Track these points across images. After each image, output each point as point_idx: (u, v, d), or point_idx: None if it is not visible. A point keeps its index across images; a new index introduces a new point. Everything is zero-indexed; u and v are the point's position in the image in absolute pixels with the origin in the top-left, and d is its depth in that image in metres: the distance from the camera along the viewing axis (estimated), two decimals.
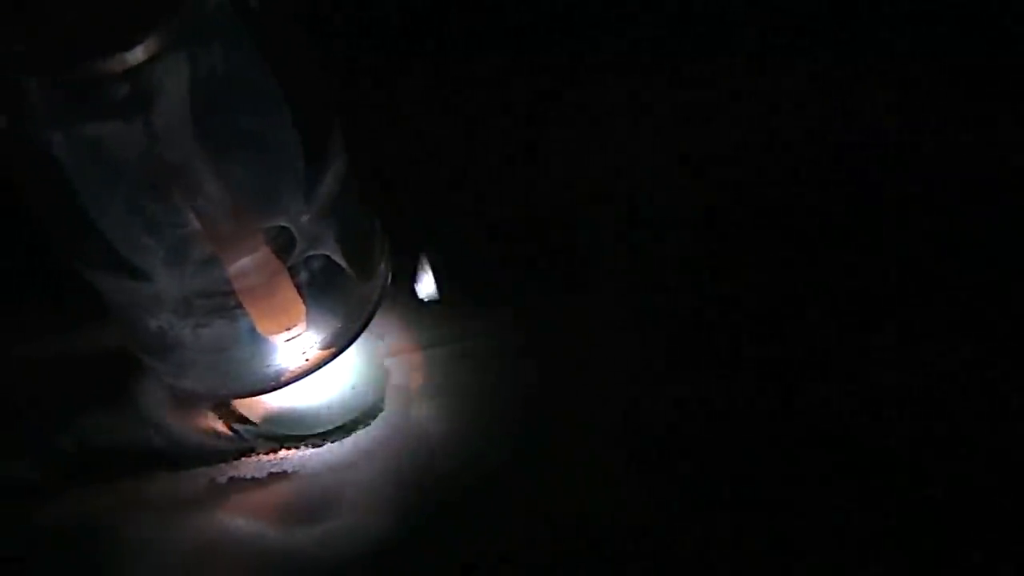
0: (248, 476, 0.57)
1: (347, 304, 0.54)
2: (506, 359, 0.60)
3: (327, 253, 0.51)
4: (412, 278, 0.63)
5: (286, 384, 0.53)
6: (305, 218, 0.49)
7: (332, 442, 0.58)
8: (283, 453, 0.58)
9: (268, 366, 0.53)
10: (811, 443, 0.54)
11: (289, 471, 0.57)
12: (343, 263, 0.52)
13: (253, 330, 0.51)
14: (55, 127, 0.43)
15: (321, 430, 0.59)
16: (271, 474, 0.57)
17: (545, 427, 0.56)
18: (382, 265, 0.56)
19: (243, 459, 0.58)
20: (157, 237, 0.47)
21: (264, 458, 0.58)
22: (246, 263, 0.48)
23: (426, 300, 0.63)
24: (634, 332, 0.59)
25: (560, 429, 0.56)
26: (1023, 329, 0.57)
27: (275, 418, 0.59)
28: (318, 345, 0.53)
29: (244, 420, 0.59)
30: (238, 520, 0.56)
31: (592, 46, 0.71)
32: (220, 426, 0.59)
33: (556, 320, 0.60)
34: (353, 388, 0.60)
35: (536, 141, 0.68)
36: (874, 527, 0.51)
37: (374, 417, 0.59)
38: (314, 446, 0.58)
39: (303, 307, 0.52)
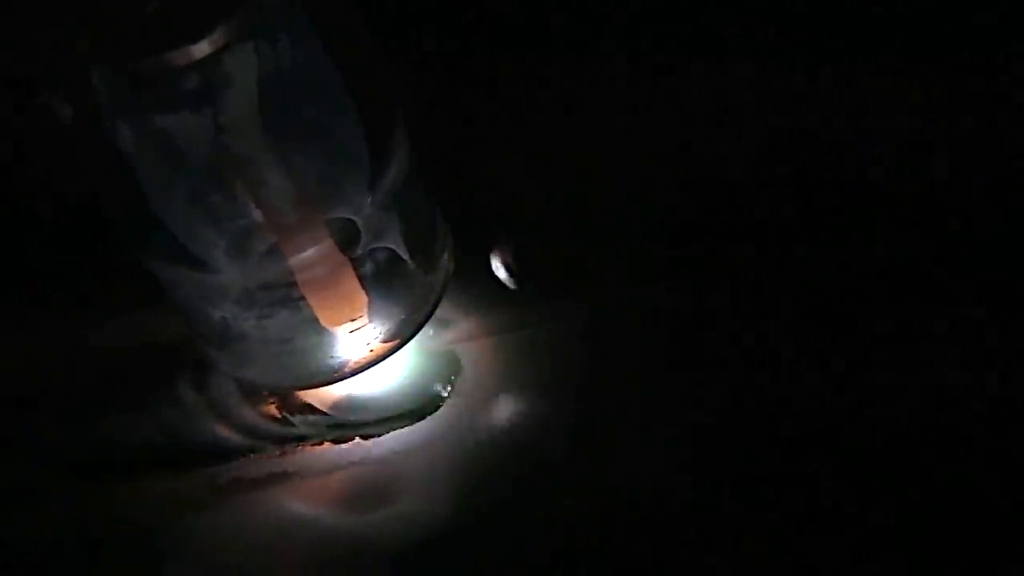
0: (309, 465, 0.58)
1: (410, 295, 0.53)
2: (571, 349, 0.59)
3: (390, 245, 0.50)
4: (478, 267, 0.62)
5: (348, 375, 0.53)
6: (369, 210, 0.49)
7: (394, 430, 0.58)
8: (345, 442, 0.58)
9: (331, 357, 0.53)
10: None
11: (350, 460, 0.57)
12: (405, 255, 0.51)
13: (316, 321, 0.51)
14: (123, 118, 0.44)
15: (384, 418, 0.58)
16: (332, 463, 0.57)
17: (608, 419, 0.56)
18: (444, 256, 0.56)
19: (304, 448, 0.58)
20: (220, 228, 0.47)
21: (325, 447, 0.58)
22: (309, 255, 0.48)
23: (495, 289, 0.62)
24: (697, 326, 0.58)
25: (623, 422, 0.55)
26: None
27: (338, 407, 0.59)
28: (381, 336, 0.53)
29: (307, 409, 0.59)
30: (298, 508, 0.57)
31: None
32: (282, 415, 0.59)
33: (621, 311, 0.60)
34: (416, 377, 0.59)
35: (604, 131, 0.68)
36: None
37: (437, 406, 0.58)
38: (377, 435, 0.58)
39: (365, 299, 0.52)
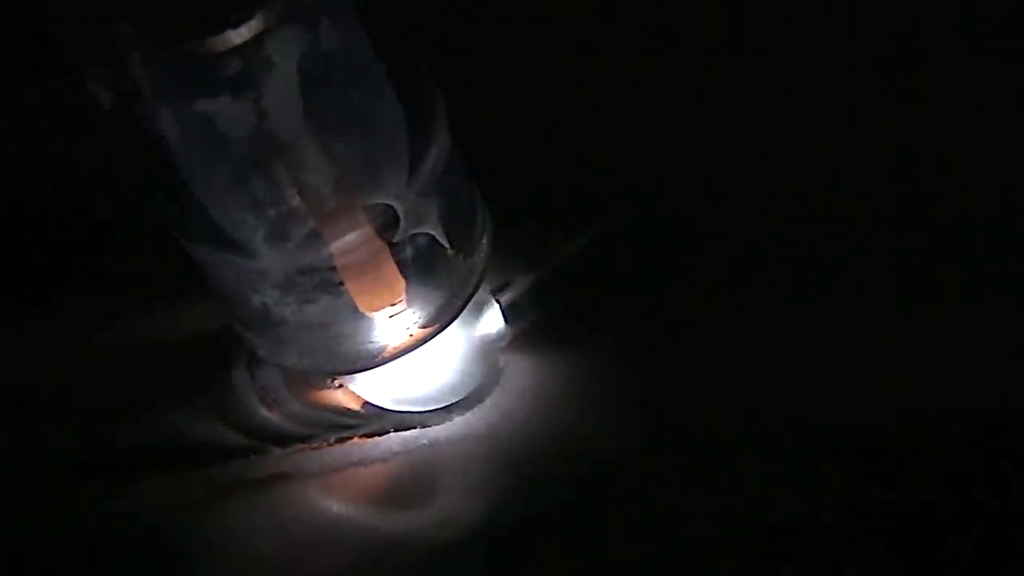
0: (352, 457, 0.58)
1: (449, 281, 0.53)
2: (618, 345, 0.59)
3: (430, 231, 0.50)
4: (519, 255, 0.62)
5: (387, 361, 0.53)
6: (409, 195, 0.49)
7: (438, 423, 0.58)
8: (390, 434, 0.58)
9: (370, 342, 0.53)
10: None
11: (386, 455, 0.58)
12: (445, 241, 0.51)
13: (356, 306, 0.51)
14: (163, 103, 0.44)
15: (428, 410, 0.58)
16: (374, 455, 0.58)
17: (660, 416, 0.55)
18: (484, 241, 0.56)
19: (347, 440, 0.58)
20: (259, 213, 0.47)
21: (369, 439, 0.58)
22: (348, 240, 0.48)
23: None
24: (752, 323, 0.58)
25: (675, 419, 0.55)
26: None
27: (383, 398, 0.59)
28: (420, 322, 0.53)
29: (350, 400, 0.59)
30: (334, 504, 0.57)
31: None
32: (324, 407, 0.60)
33: (675, 306, 0.59)
34: (463, 368, 0.59)
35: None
36: None
37: (483, 398, 0.58)
38: (421, 426, 0.58)
39: (403, 284, 0.51)
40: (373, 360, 0.53)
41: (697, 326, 0.58)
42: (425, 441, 0.58)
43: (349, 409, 0.60)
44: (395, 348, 0.53)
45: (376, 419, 0.59)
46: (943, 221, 0.58)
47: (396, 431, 0.58)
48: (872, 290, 0.57)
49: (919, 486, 0.50)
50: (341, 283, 0.50)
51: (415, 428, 0.58)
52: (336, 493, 0.57)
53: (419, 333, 0.53)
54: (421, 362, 0.56)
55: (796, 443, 0.53)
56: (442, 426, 0.58)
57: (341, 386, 0.61)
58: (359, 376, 0.58)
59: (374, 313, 0.51)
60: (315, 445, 0.59)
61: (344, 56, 0.45)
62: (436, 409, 0.59)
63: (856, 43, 0.65)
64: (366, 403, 0.60)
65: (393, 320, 0.52)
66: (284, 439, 0.59)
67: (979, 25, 0.64)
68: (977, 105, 0.61)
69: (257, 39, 0.41)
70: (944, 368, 0.53)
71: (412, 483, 0.57)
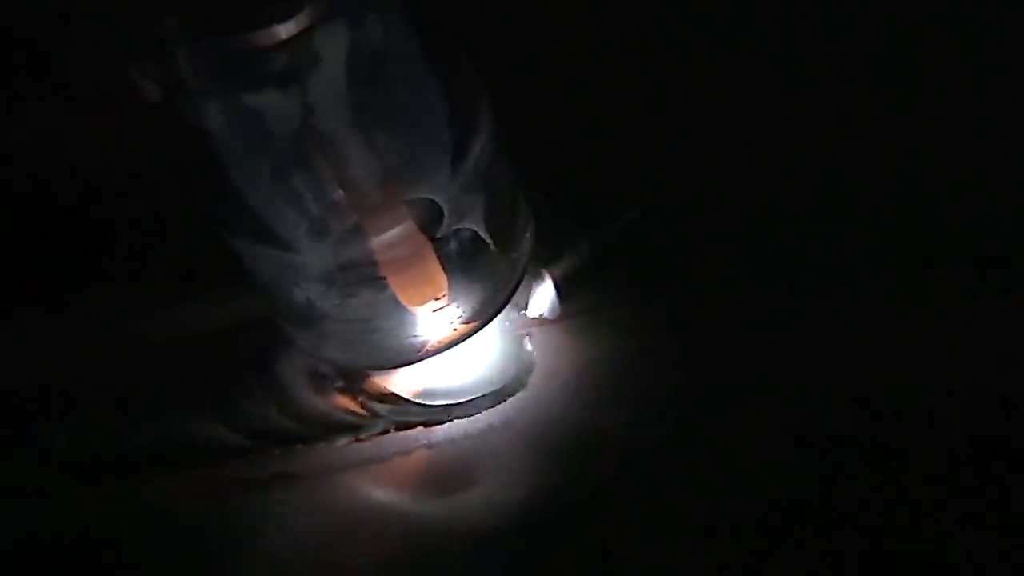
0: (386, 449, 0.58)
1: (491, 277, 0.53)
2: (654, 334, 0.58)
3: (472, 227, 0.50)
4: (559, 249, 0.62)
5: (429, 356, 0.53)
6: (452, 190, 0.49)
7: (473, 415, 0.58)
8: (422, 427, 0.58)
9: (412, 337, 0.53)
10: None
11: (427, 444, 0.58)
12: (487, 237, 0.51)
13: (398, 301, 0.51)
14: (211, 98, 0.44)
15: (462, 402, 0.58)
16: (409, 447, 0.58)
17: (694, 405, 0.55)
18: (526, 237, 0.55)
19: (382, 432, 0.58)
20: (303, 207, 0.47)
21: (403, 431, 0.58)
22: (391, 235, 0.48)
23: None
24: (789, 316, 0.57)
25: (708, 408, 0.55)
26: None
27: (416, 390, 0.59)
28: (461, 317, 0.53)
29: (384, 394, 0.59)
30: (375, 493, 0.57)
31: None
32: (359, 400, 0.60)
33: (700, 296, 0.59)
34: (496, 360, 0.59)
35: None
36: None
37: (517, 390, 0.58)
38: (455, 418, 0.58)
39: (445, 279, 0.51)
40: (415, 355, 0.53)
41: (731, 317, 0.58)
42: (461, 431, 0.58)
43: (384, 402, 0.60)
44: (437, 343, 0.53)
45: (411, 411, 0.59)
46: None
47: (430, 423, 0.58)
48: (920, 286, 0.57)
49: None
50: (384, 278, 0.50)
51: (450, 419, 0.58)
52: (376, 483, 0.57)
53: (461, 328, 0.53)
54: (456, 354, 0.56)
55: (832, 435, 0.53)
56: (478, 416, 0.58)
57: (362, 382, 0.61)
58: (395, 370, 0.59)
59: (416, 308, 0.51)
60: (352, 439, 0.59)
61: (389, 51, 0.45)
62: (470, 400, 0.59)
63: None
64: (402, 397, 0.60)
65: (436, 315, 0.52)
66: (320, 434, 0.59)
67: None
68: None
69: (304, 34, 0.41)
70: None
71: (451, 472, 0.57)
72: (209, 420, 0.61)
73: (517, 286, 0.55)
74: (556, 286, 0.60)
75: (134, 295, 0.66)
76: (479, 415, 0.58)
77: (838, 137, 0.63)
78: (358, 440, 0.58)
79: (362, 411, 0.59)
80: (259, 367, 0.62)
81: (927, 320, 0.55)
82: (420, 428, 0.58)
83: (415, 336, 0.53)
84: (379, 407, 0.59)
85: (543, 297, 0.60)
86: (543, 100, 0.66)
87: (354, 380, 0.60)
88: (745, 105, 0.66)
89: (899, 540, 0.49)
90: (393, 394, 0.59)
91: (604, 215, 0.64)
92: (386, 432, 0.59)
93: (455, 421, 0.58)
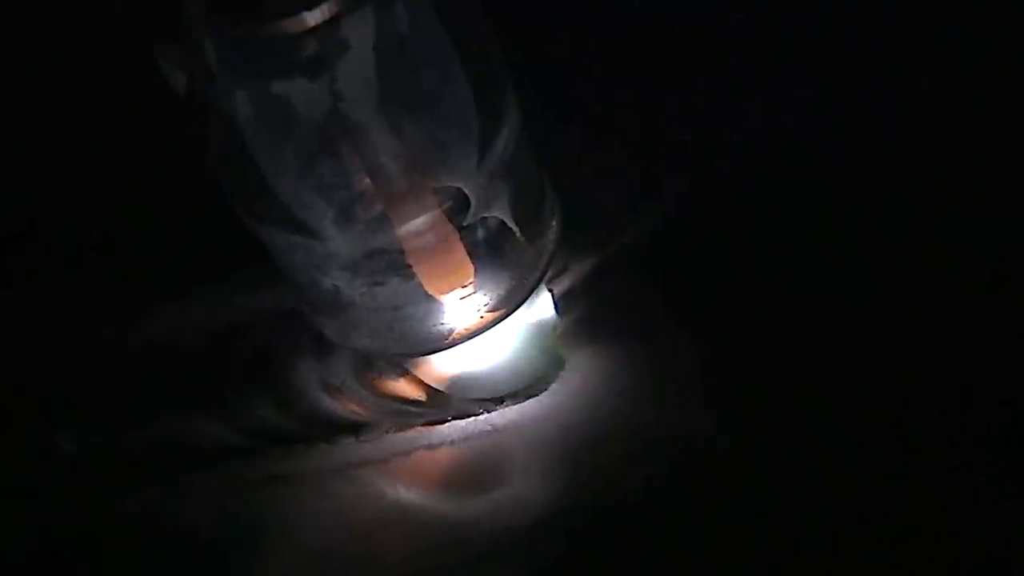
0: (412, 445, 0.58)
1: (517, 265, 0.53)
2: (682, 332, 0.58)
3: (499, 215, 0.50)
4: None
5: (456, 343, 0.53)
6: (478, 178, 0.48)
7: (502, 409, 0.58)
8: (450, 422, 0.58)
9: (439, 325, 0.53)
10: None
11: (454, 439, 0.58)
12: (514, 225, 0.51)
13: (426, 289, 0.51)
14: (238, 85, 0.44)
15: (491, 396, 0.58)
16: (436, 443, 0.58)
17: (724, 402, 0.55)
18: (553, 225, 0.55)
19: (410, 428, 0.58)
20: (329, 195, 0.47)
21: (430, 427, 0.58)
22: (418, 223, 0.48)
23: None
24: (817, 311, 0.57)
25: (739, 405, 0.54)
26: None
27: (445, 385, 0.59)
28: (488, 305, 0.53)
29: (410, 390, 0.59)
30: (401, 490, 0.57)
31: None
32: (389, 396, 0.60)
33: (740, 292, 0.59)
34: (524, 356, 0.59)
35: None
36: None
37: (547, 385, 0.58)
38: (485, 412, 0.58)
39: (472, 268, 0.51)
40: (442, 343, 0.53)
41: (761, 313, 0.58)
42: (490, 427, 0.58)
43: (413, 397, 0.60)
44: (464, 331, 0.53)
45: (440, 406, 0.59)
46: None
47: (458, 418, 0.58)
48: (957, 275, 0.56)
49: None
50: (410, 266, 0.50)
51: (479, 415, 0.58)
52: (403, 479, 0.57)
53: (487, 316, 0.53)
54: (484, 348, 0.56)
55: (864, 433, 0.52)
56: (508, 412, 0.58)
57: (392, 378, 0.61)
58: (423, 363, 0.59)
59: (443, 296, 0.51)
60: (378, 434, 0.59)
61: (417, 38, 0.44)
62: (500, 396, 0.59)
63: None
64: (430, 390, 0.60)
65: (462, 303, 0.52)
66: (348, 429, 0.59)
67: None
68: None
69: (333, 21, 0.41)
70: None
71: (480, 469, 0.57)
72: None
73: (544, 274, 0.55)
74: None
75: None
76: (508, 410, 0.58)
77: (871, 135, 0.63)
78: (385, 433, 0.59)
79: (390, 407, 0.59)
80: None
81: (972, 314, 0.55)
82: (446, 424, 0.58)
83: (442, 324, 0.53)
84: (407, 403, 0.59)
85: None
86: (564, 88, 0.66)
87: (382, 376, 0.61)
88: (775, 101, 0.66)
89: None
90: (422, 389, 0.59)
91: (629, 209, 0.64)
92: (411, 429, 0.59)
93: (482, 416, 0.58)
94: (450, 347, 0.53)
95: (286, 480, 0.58)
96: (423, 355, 0.56)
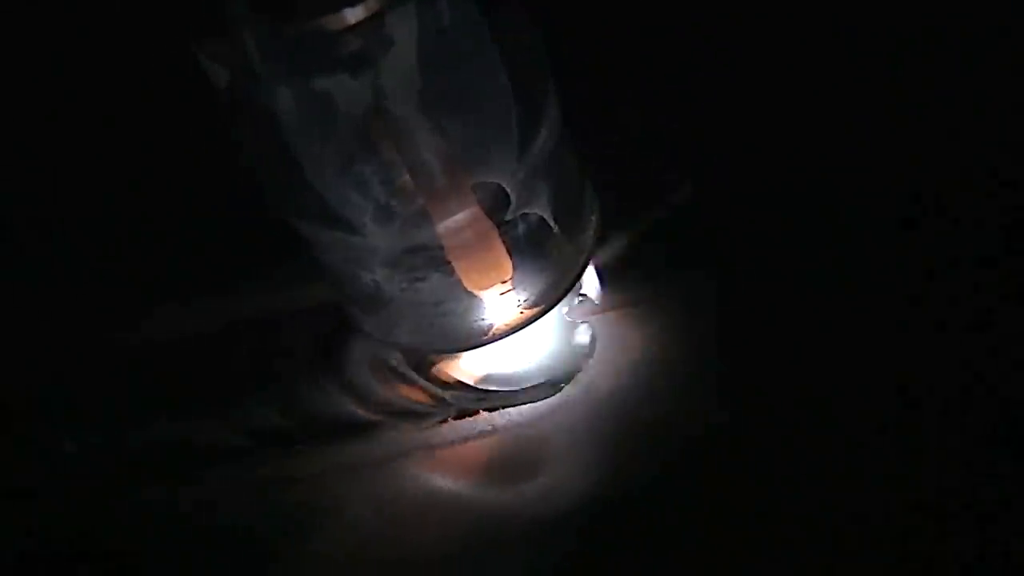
0: (448, 436, 0.58)
1: (556, 262, 0.53)
2: (712, 321, 0.58)
3: (538, 212, 0.50)
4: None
5: (496, 339, 0.53)
6: (518, 175, 0.48)
7: (534, 401, 0.58)
8: (485, 413, 0.58)
9: (479, 320, 0.53)
10: None
11: (489, 430, 0.58)
12: (552, 222, 0.51)
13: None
14: (281, 82, 0.44)
15: (523, 388, 0.58)
16: (472, 434, 0.58)
17: (753, 392, 0.54)
18: (592, 222, 0.55)
19: (443, 420, 0.58)
20: (369, 191, 0.47)
21: (465, 418, 0.58)
22: (457, 220, 0.48)
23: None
24: (846, 301, 0.57)
25: (767, 396, 0.54)
26: None
27: (478, 377, 0.59)
28: (527, 301, 0.53)
29: (446, 381, 0.60)
30: (438, 480, 0.57)
31: None
32: (422, 388, 0.60)
33: (753, 280, 0.59)
34: (555, 347, 0.59)
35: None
36: None
37: (576, 375, 0.58)
38: (516, 404, 0.58)
39: (511, 264, 0.51)
40: (482, 338, 0.53)
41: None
42: (522, 418, 0.58)
43: (446, 389, 0.60)
44: (504, 326, 0.53)
45: (473, 398, 0.59)
46: None
47: (492, 409, 0.58)
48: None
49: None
50: (450, 262, 0.50)
51: (512, 406, 0.58)
52: (436, 471, 0.57)
53: (528, 312, 0.53)
54: (517, 341, 0.56)
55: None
56: (540, 403, 0.58)
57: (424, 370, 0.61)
58: (452, 357, 0.59)
59: (482, 292, 0.51)
60: (414, 426, 0.59)
61: (459, 35, 0.45)
62: (531, 387, 0.59)
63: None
64: (463, 382, 0.60)
65: (502, 299, 0.52)
66: (384, 421, 0.59)
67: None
68: None
69: (376, 17, 0.41)
70: None
71: (513, 459, 0.57)
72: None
73: (583, 270, 0.55)
74: (599, 271, 0.60)
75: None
76: (542, 402, 0.58)
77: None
78: (424, 427, 0.59)
79: (426, 399, 0.59)
80: (322, 354, 0.62)
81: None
82: (481, 415, 0.58)
83: (482, 320, 0.53)
84: (443, 394, 0.59)
85: (589, 282, 0.60)
86: (595, 83, 0.66)
87: (418, 368, 0.61)
88: (798, 90, 0.66)
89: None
90: (457, 381, 0.59)
91: (653, 198, 0.64)
92: (447, 420, 0.59)
93: (516, 407, 0.58)
94: (490, 343, 0.54)
95: (320, 471, 0.58)
96: (463, 351, 0.56)
